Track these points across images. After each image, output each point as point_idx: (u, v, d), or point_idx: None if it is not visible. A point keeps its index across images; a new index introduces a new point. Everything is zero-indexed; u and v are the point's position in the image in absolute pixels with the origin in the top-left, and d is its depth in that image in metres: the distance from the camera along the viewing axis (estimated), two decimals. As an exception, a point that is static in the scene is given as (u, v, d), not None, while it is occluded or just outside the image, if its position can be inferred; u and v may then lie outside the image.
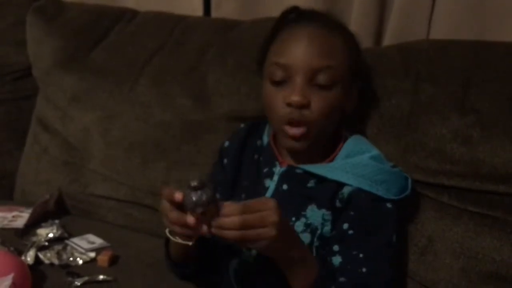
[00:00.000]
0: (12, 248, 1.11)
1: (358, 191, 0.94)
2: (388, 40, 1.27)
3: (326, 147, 1.02)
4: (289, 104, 0.94)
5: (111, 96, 1.36)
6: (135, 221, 1.31)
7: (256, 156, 1.07)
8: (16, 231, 1.22)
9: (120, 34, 1.45)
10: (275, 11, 1.34)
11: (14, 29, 1.56)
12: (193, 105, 1.27)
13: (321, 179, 0.97)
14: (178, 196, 0.80)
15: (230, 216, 0.78)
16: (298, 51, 0.95)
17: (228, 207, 0.79)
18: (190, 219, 0.79)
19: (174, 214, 0.81)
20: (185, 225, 0.80)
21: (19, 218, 1.27)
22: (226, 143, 1.12)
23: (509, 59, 1.05)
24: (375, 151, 1.00)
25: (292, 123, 0.95)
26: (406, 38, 1.20)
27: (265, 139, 1.08)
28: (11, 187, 1.50)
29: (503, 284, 0.96)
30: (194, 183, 0.78)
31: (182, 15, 1.44)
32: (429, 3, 1.22)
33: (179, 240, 0.86)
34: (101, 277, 1.05)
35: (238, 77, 1.23)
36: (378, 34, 1.30)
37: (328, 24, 0.99)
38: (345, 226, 0.94)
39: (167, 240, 1.00)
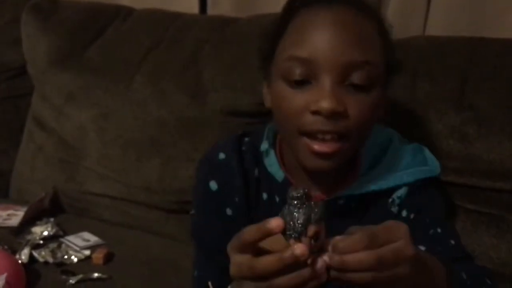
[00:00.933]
0: (6, 247, 1.11)
1: (411, 186, 0.83)
2: (384, 36, 1.27)
3: None
4: (316, 113, 0.71)
5: (107, 93, 1.35)
6: (132, 218, 1.31)
7: (265, 196, 0.85)
8: (11, 229, 1.21)
9: (115, 32, 1.44)
10: (272, 10, 1.35)
11: (10, 27, 1.55)
12: (189, 102, 1.26)
13: (365, 197, 0.81)
14: (278, 223, 0.55)
15: (355, 250, 0.55)
16: (323, 41, 0.72)
17: (348, 238, 0.56)
18: (300, 248, 0.54)
19: (268, 260, 0.55)
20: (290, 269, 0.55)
21: (14, 216, 1.27)
22: (222, 158, 0.86)
23: (506, 56, 1.05)
24: (392, 134, 0.90)
25: (314, 135, 0.73)
26: (403, 35, 1.19)
27: (274, 170, 0.85)
28: (7, 185, 1.49)
29: (501, 282, 0.95)
30: (297, 192, 0.53)
31: (178, 12, 1.44)
32: (426, -1, 1.22)
33: None
34: (96, 275, 1.05)
35: (234, 72, 1.23)
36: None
37: (359, 5, 0.76)
38: (404, 213, 0.83)
39: None
